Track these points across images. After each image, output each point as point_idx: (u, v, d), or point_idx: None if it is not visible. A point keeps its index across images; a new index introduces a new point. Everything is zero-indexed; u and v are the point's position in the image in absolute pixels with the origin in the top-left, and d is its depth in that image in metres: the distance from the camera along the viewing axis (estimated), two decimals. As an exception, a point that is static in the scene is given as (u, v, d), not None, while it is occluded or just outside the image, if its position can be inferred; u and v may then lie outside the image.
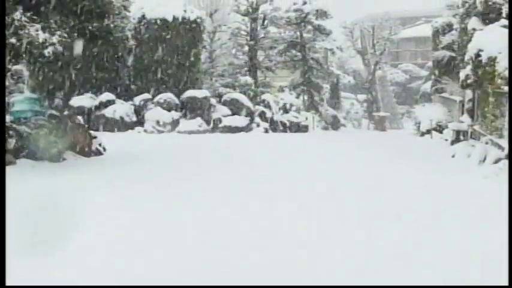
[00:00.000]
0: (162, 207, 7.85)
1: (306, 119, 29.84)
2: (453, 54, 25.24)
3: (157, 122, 24.56)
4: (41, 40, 11.35)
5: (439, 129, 24.10)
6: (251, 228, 6.71)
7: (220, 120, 25.83)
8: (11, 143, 11.74)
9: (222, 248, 5.91)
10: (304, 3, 34.59)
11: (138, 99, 25.80)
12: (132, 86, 27.39)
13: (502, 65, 12.88)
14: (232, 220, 7.14)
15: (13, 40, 11.14)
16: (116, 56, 26.07)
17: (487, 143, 14.12)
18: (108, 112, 24.53)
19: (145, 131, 24.32)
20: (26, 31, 11.25)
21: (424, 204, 8.40)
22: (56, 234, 6.15)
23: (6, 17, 10.95)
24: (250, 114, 26.80)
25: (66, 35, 12.23)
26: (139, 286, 5.09)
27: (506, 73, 12.54)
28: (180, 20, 26.50)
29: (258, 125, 26.54)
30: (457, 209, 8.04)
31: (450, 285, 5.15)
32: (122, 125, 24.38)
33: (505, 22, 14.53)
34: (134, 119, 25.07)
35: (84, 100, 24.85)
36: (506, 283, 5.06)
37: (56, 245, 5.78)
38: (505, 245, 5.83)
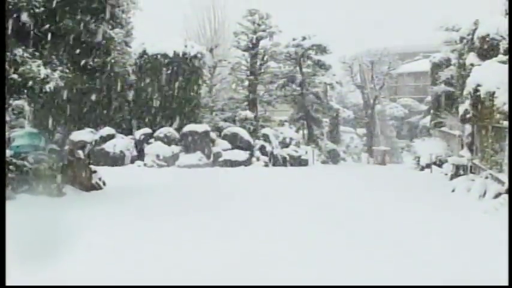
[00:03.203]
0: (159, 245, 7.79)
1: (306, 153, 29.83)
2: (452, 89, 25.40)
3: (158, 156, 24.55)
4: (42, 76, 11.43)
5: (439, 163, 24.10)
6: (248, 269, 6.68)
7: (220, 154, 25.82)
8: (11, 177, 11.73)
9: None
10: (304, 38, 34.89)
11: (138, 134, 25.88)
12: (133, 121, 27.50)
13: (500, 100, 12.93)
14: (230, 258, 7.09)
15: (15, 76, 11.23)
16: (116, 90, 26.25)
17: (486, 178, 14.10)
18: (108, 146, 24.56)
19: (145, 165, 24.30)
20: (28, 67, 11.34)
21: (425, 240, 8.35)
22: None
23: (9, 53, 11.07)
24: (250, 148, 26.83)
25: (67, 71, 12.34)
26: (139, 286, 5.03)
27: (505, 108, 12.58)
28: (180, 55, 26.73)
29: (257, 159, 26.54)
30: (457, 244, 8.00)
31: (450, 285, 5.10)
32: (122, 159, 24.37)
33: (503, 58, 14.65)
34: (134, 153, 25.08)
35: (84, 135, 24.90)
36: (506, 283, 5.02)
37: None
38: (505, 247, 5.78)
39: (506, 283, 5.14)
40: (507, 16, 15.12)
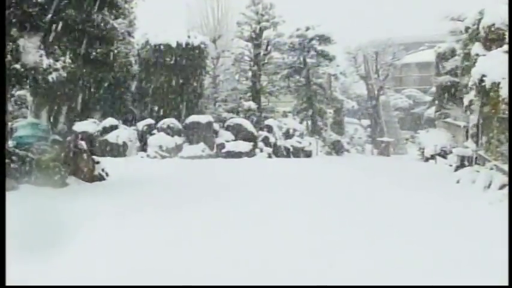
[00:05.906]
0: (159, 237, 7.75)
1: (310, 144, 29.78)
2: (456, 80, 25.27)
3: (160, 147, 24.54)
4: (45, 66, 11.39)
5: (443, 154, 24.07)
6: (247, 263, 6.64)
7: (223, 145, 25.78)
8: (14, 168, 11.71)
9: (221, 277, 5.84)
10: (308, 29, 34.79)
11: (141, 125, 25.84)
12: (136, 111, 27.48)
13: (505, 91, 12.84)
14: (230, 252, 7.06)
15: (17, 66, 11.18)
16: (119, 81, 26.23)
17: (491, 169, 14.03)
18: (111, 137, 24.54)
19: (148, 156, 24.29)
20: (30, 57, 11.29)
21: (429, 230, 8.30)
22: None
23: (11, 43, 11.02)
24: (253, 139, 26.79)
25: (70, 61, 12.30)
26: (139, 286, 4.99)
27: (510, 98, 12.51)
28: (183, 45, 26.65)
29: (261, 150, 26.49)
30: (461, 235, 7.95)
31: (450, 285, 5.06)
32: (125, 150, 24.35)
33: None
34: (137, 144, 25.07)
35: (87, 125, 24.88)
36: (506, 283, 4.97)
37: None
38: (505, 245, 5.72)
39: (506, 282, 5.09)
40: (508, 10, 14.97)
